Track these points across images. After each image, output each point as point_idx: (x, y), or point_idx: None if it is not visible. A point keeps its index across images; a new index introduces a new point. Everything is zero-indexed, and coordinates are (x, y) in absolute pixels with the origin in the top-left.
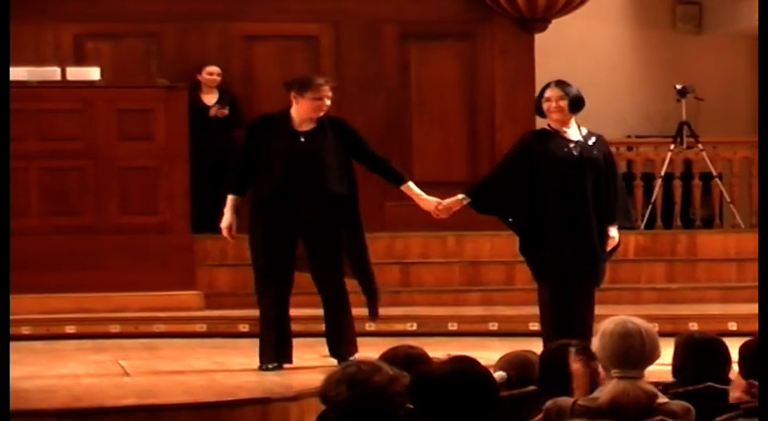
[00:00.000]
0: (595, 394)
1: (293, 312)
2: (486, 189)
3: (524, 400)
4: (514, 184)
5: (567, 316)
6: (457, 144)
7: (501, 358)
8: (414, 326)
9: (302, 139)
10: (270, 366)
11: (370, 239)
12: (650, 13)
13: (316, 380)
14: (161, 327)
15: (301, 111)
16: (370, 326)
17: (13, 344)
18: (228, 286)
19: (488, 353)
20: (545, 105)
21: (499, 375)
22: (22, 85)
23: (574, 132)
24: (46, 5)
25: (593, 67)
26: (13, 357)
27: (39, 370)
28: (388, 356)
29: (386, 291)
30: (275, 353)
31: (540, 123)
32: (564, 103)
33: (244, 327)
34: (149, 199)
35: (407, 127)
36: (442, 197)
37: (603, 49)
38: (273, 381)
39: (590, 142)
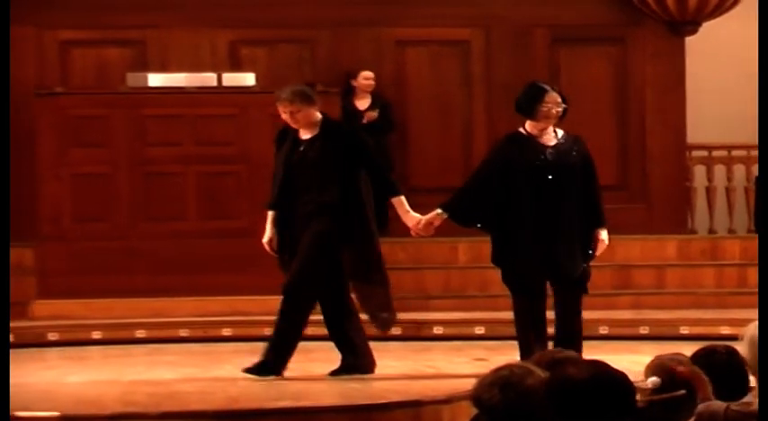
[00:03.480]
0: (747, 399)
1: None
2: (462, 202)
3: (675, 405)
4: (489, 193)
5: (542, 322)
6: (607, 147)
7: (652, 362)
8: None
9: (301, 148)
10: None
11: None
12: None
13: (467, 382)
14: (314, 330)
15: None
16: None
17: (170, 347)
18: None
19: (639, 357)
20: (544, 109)
21: (653, 381)
22: (180, 90)
23: (550, 137)
24: (203, 13)
25: (743, 71)
26: (170, 359)
27: (196, 372)
28: (537, 359)
29: None
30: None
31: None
32: (560, 110)
33: (396, 331)
34: None
35: None
36: None
37: (754, 52)
38: (425, 384)
39: (566, 146)
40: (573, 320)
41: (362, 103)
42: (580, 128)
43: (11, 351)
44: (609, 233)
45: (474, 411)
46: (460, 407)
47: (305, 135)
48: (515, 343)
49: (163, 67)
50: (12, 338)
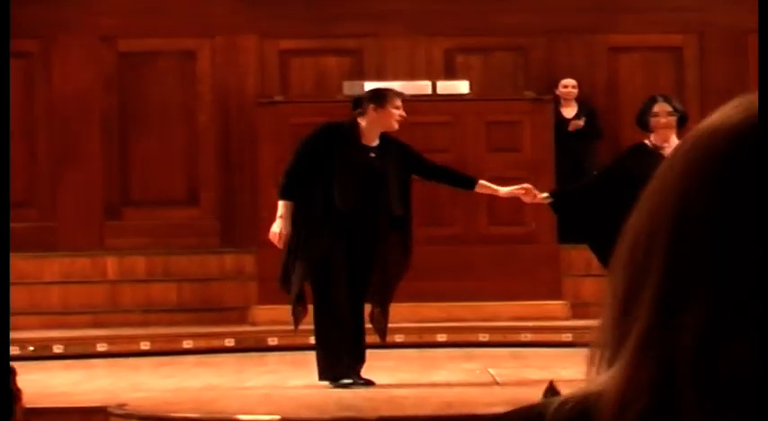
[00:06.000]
0: None
1: None
2: (569, 197)
3: None
4: (597, 200)
5: None
6: None
7: None
8: None
9: (372, 155)
10: (345, 382)
11: None
12: None
13: None
14: (528, 337)
15: (377, 124)
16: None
17: (387, 352)
18: (594, 296)
19: None
20: (653, 120)
21: None
22: None
23: (671, 149)
24: (419, 21)
25: None
26: (386, 365)
27: (412, 377)
28: None
29: None
30: (347, 367)
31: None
32: (673, 120)
33: None
34: (517, 209)
35: None
36: None
37: None
38: None
39: None
40: None
41: (568, 112)
42: None
43: (232, 355)
44: None
45: None
46: None
47: (372, 142)
48: None
49: (379, 76)
50: (233, 343)
